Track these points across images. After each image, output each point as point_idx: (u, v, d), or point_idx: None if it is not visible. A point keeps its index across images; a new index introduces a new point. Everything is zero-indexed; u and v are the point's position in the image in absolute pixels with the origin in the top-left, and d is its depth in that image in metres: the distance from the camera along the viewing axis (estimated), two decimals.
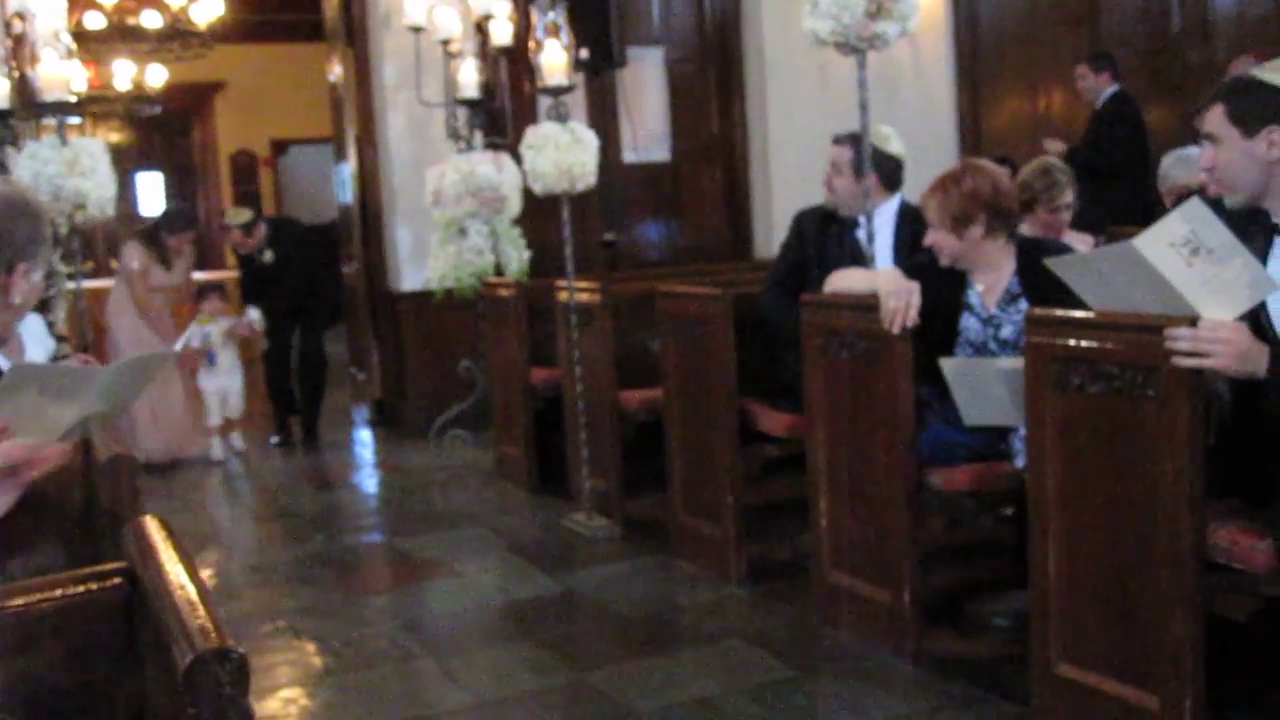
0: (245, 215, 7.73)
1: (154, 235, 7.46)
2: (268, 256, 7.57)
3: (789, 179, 7.54)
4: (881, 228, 4.30)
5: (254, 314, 7.50)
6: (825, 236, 4.47)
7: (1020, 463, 3.36)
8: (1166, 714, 2.78)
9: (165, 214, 7.92)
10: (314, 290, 7.78)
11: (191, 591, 1.12)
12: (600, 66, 7.14)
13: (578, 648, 3.96)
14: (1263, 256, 2.80)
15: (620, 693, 3.53)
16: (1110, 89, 7.50)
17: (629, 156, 8.15)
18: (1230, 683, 2.92)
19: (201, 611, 1.07)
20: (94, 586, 1.31)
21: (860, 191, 4.23)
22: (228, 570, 5.09)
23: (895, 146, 4.45)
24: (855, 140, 4.35)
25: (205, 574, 4.63)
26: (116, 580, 1.33)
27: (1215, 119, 2.84)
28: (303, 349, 7.80)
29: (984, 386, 3.36)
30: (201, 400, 7.37)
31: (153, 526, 1.35)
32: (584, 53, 6.38)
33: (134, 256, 7.33)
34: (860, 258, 4.14)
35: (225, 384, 7.41)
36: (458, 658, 3.97)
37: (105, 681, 1.31)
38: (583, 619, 4.28)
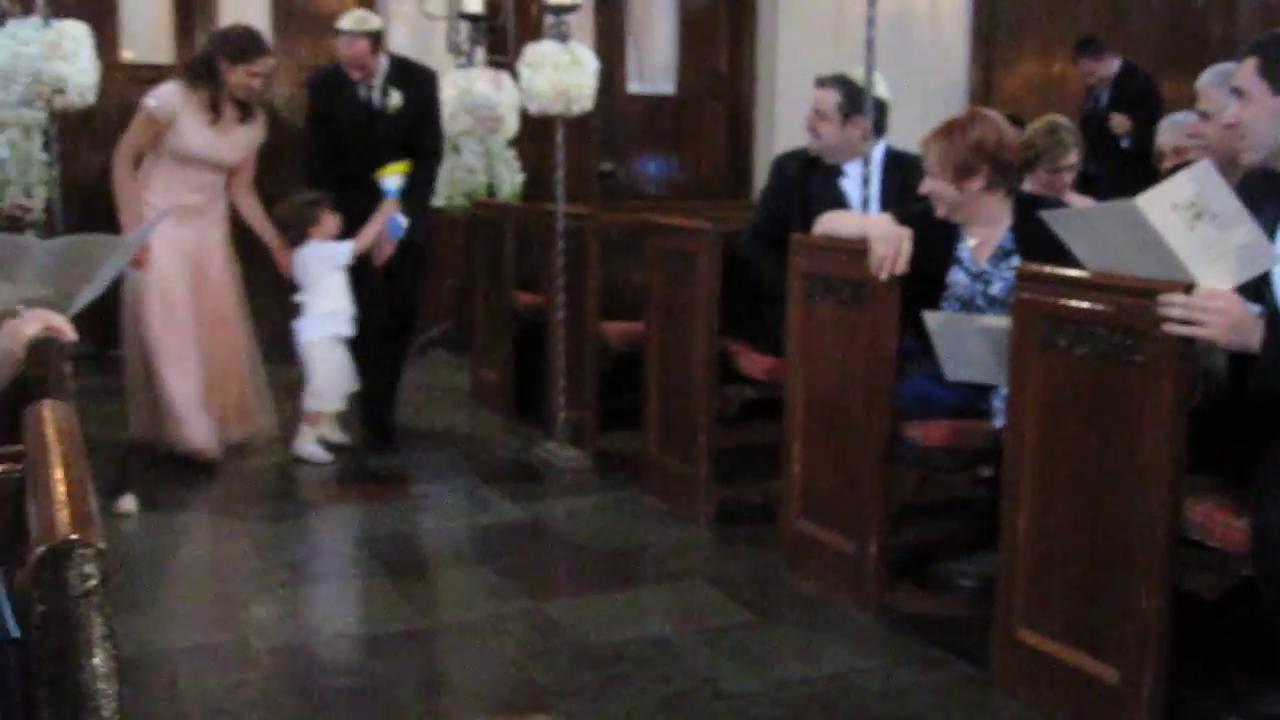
0: (375, 20, 5.26)
1: (206, 66, 4.85)
2: (394, 99, 5.16)
3: (794, 120, 7.36)
4: (869, 175, 4.18)
5: (401, 220, 5.11)
6: (809, 182, 4.33)
7: (999, 422, 3.27)
8: (1125, 688, 2.72)
9: (224, 34, 5.04)
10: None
11: (73, 483, 1.03)
12: None
13: (538, 577, 3.89)
14: (1274, 222, 2.71)
15: (575, 625, 3.47)
16: (1116, 65, 7.35)
17: (633, 87, 8.02)
18: (1193, 662, 2.86)
19: (75, 503, 0.98)
20: None
21: (845, 137, 4.12)
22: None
23: (881, 90, 4.30)
24: (841, 83, 4.23)
25: None
26: (11, 465, 1.25)
27: (1246, 73, 2.74)
28: (391, 291, 5.24)
29: (967, 342, 3.28)
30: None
31: (49, 410, 1.26)
32: None
33: (161, 94, 4.78)
34: (845, 205, 4.03)
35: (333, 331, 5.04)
36: (414, 579, 3.91)
37: None
38: (546, 549, 4.21)
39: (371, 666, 3.28)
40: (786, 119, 7.64)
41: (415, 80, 5.24)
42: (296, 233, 4.99)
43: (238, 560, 4.02)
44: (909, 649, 3.34)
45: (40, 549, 0.91)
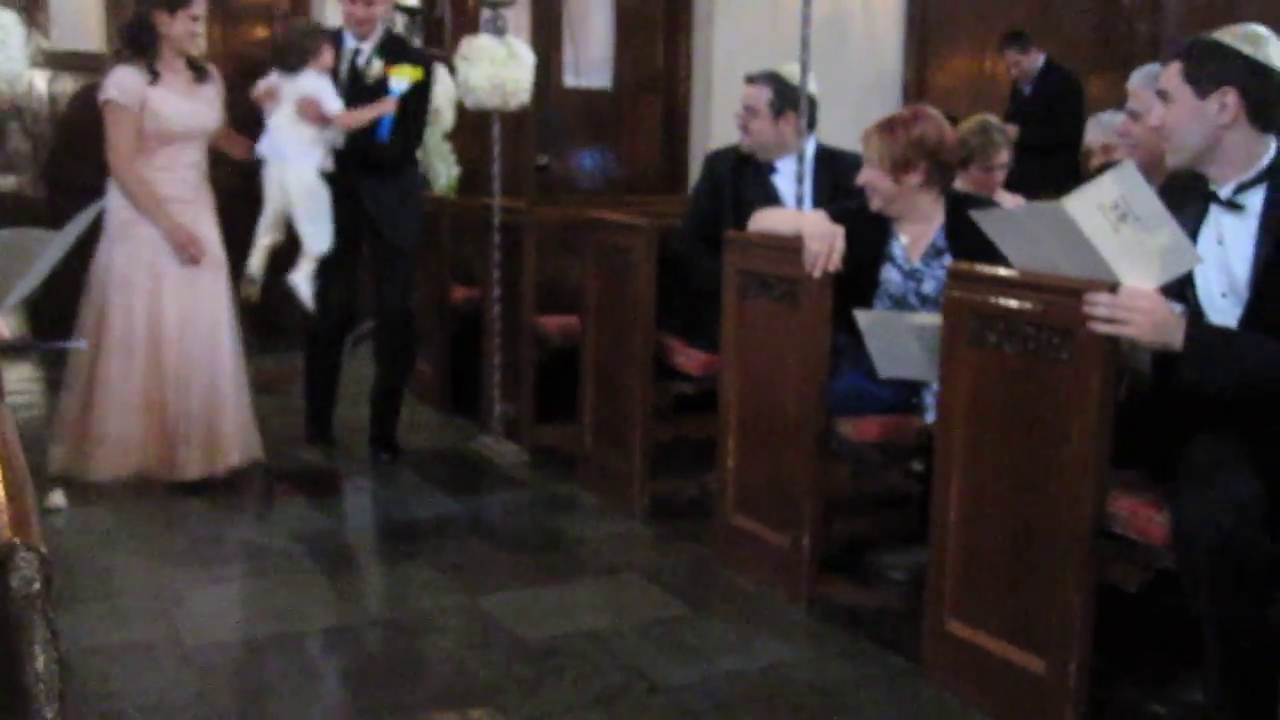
0: None
1: (143, 29, 4.44)
2: (375, 68, 4.84)
3: (729, 116, 7.41)
4: (800, 172, 4.21)
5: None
6: (741, 180, 4.35)
7: (930, 418, 3.33)
8: (1052, 678, 2.78)
9: None
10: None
11: (10, 485, 1.03)
12: None
13: (473, 572, 3.89)
14: (1196, 223, 2.78)
15: (511, 620, 3.48)
16: (1039, 60, 7.47)
17: (570, 81, 8.00)
18: (1118, 652, 2.93)
19: (13, 505, 0.98)
20: None
21: (776, 134, 4.17)
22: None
23: (811, 86, 4.34)
24: (771, 79, 4.27)
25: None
26: None
27: (1170, 76, 2.80)
28: (381, 295, 5.03)
29: (899, 340, 3.32)
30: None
31: None
32: None
33: (118, 82, 4.42)
34: (779, 202, 4.06)
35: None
36: (349, 574, 3.91)
37: None
38: (481, 543, 4.21)
39: (306, 662, 3.28)
40: (722, 115, 7.67)
41: (410, 59, 4.88)
42: (295, 59, 4.65)
43: (170, 555, 3.99)
44: (841, 641, 3.39)
45: None
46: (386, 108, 4.73)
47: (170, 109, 4.44)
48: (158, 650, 3.24)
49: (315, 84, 4.66)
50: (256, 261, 4.73)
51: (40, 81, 6.77)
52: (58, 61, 6.92)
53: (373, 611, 3.61)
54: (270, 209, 4.72)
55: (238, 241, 4.77)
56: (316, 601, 3.65)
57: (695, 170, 7.96)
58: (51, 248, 2.02)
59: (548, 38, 7.68)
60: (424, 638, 3.38)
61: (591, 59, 8.07)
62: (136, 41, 4.44)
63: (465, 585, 3.75)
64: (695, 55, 8.07)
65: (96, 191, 4.36)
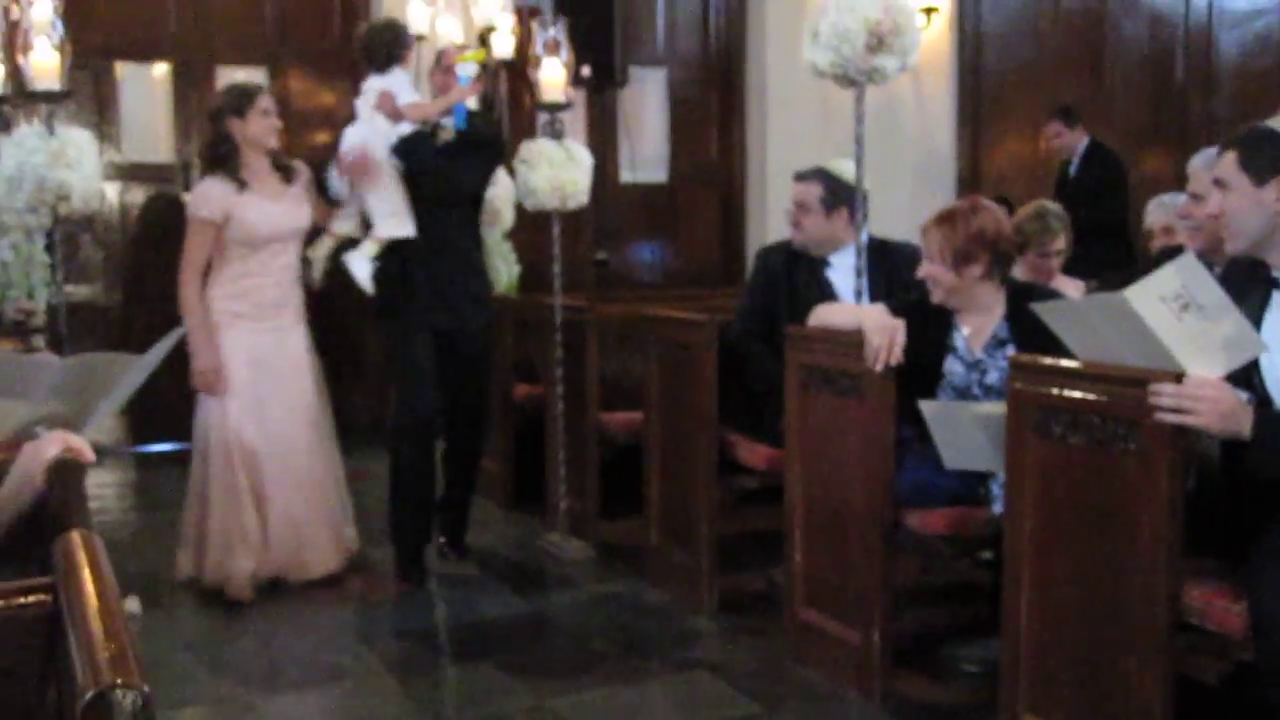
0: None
1: (221, 138, 4.54)
2: (446, 132, 4.74)
3: (784, 208, 7.49)
4: (854, 266, 4.23)
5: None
6: (794, 275, 4.37)
7: (998, 508, 3.31)
8: None
9: (218, 100, 4.69)
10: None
11: (107, 619, 1.07)
12: (602, 84, 7.12)
13: (543, 672, 3.90)
14: (1260, 310, 2.78)
15: None
16: (1085, 141, 7.50)
17: (626, 176, 8.13)
18: None
19: (112, 643, 1.02)
20: (18, 601, 1.25)
21: (829, 229, 4.21)
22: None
23: (854, 178, 4.39)
24: (821, 175, 4.31)
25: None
26: (42, 596, 1.28)
27: (1227, 165, 2.81)
28: (459, 396, 4.86)
29: (964, 430, 3.32)
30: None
31: (79, 543, 1.30)
32: (586, 70, 6.35)
33: (204, 195, 4.51)
34: (834, 296, 4.08)
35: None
36: (420, 676, 3.92)
37: (22, 698, 1.25)
38: (550, 642, 4.22)
39: None
40: (776, 208, 7.73)
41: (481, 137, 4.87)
42: (383, 56, 4.64)
43: (242, 660, 4.02)
44: None
45: (88, 694, 0.95)
46: (456, 96, 4.65)
47: (256, 214, 4.48)
48: None
49: (398, 80, 4.66)
50: (323, 250, 4.74)
51: (111, 192, 6.98)
52: (128, 173, 7.16)
53: (444, 714, 3.62)
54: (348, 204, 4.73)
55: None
56: (389, 707, 3.66)
57: (751, 262, 8.05)
58: (133, 371, 2.08)
59: (603, 133, 7.82)
60: None
61: (647, 154, 8.20)
62: (217, 155, 4.53)
63: (534, 687, 3.75)
64: (750, 149, 8.18)
65: (159, 300, 4.47)
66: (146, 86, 7.34)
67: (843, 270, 4.20)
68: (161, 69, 7.34)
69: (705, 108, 8.34)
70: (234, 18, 7.40)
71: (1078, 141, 7.51)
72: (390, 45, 4.67)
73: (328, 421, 4.76)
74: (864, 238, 4.28)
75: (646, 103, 8.16)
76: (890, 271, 4.20)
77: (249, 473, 4.50)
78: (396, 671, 3.89)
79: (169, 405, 5.40)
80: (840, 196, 4.22)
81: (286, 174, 4.64)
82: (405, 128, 4.62)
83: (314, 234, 4.78)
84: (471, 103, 4.81)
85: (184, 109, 7.25)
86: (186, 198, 4.59)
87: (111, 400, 2.07)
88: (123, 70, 7.23)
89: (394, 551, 4.81)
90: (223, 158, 4.51)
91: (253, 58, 7.32)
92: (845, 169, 4.26)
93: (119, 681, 0.95)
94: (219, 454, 4.50)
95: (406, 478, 4.75)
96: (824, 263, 4.33)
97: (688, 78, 8.30)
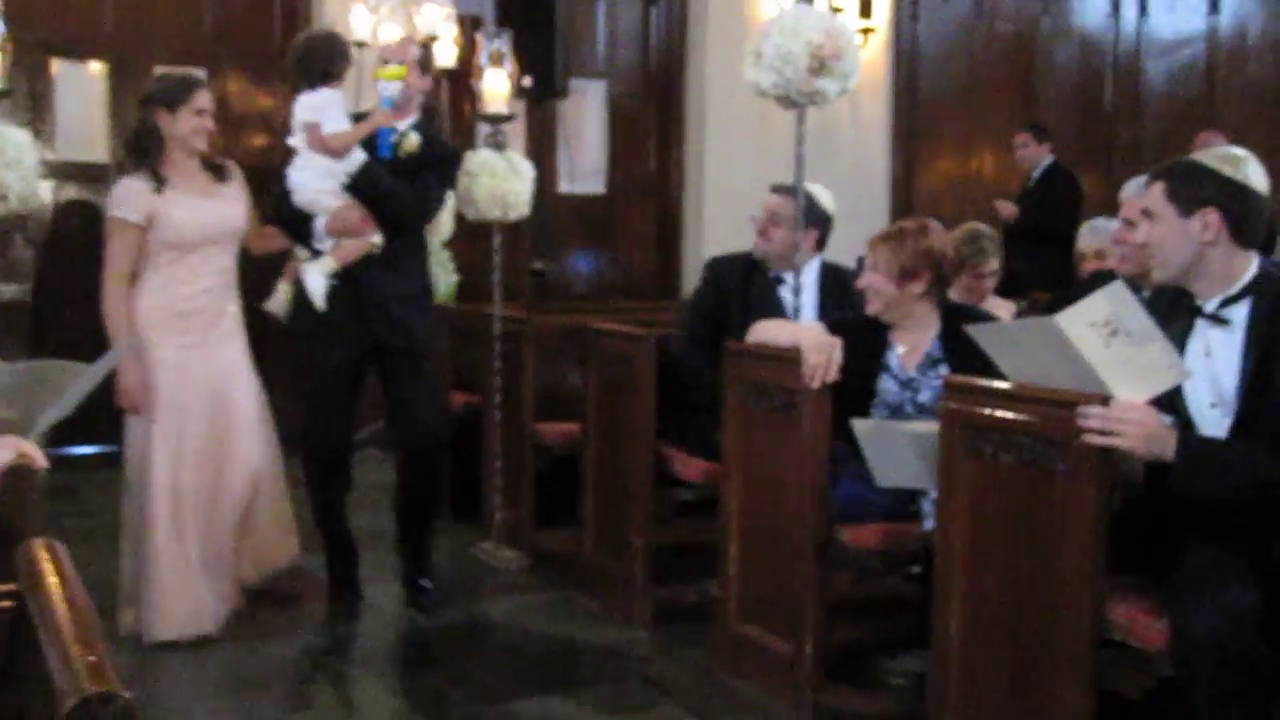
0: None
1: (147, 132, 4.16)
2: (412, 140, 4.46)
3: (720, 222, 7.59)
4: (808, 286, 4.31)
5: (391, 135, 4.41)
6: (748, 288, 4.43)
7: (929, 525, 3.38)
8: None
9: (151, 90, 4.28)
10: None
11: (82, 628, 1.08)
12: (542, 95, 7.14)
13: (477, 681, 3.91)
14: (1183, 337, 2.87)
15: None
16: (1048, 159, 7.72)
17: (564, 186, 8.16)
18: None
19: (90, 652, 1.03)
20: None
21: (794, 247, 4.27)
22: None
23: (828, 205, 4.48)
24: (800, 194, 4.36)
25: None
26: (4, 603, 1.29)
27: (1154, 196, 2.90)
28: (396, 387, 4.55)
29: (896, 449, 3.38)
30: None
31: (43, 552, 1.30)
32: (527, 81, 6.37)
33: (123, 197, 4.13)
34: (783, 315, 4.14)
35: None
36: (354, 685, 3.93)
37: None
38: (484, 652, 4.23)
39: None
40: (714, 220, 7.84)
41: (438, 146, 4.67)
42: (318, 72, 4.32)
43: (172, 668, 4.00)
44: None
45: (69, 703, 0.96)
46: (376, 121, 4.36)
47: (184, 213, 4.09)
48: None
49: (326, 99, 4.32)
50: (280, 296, 4.58)
51: (45, 192, 6.88)
52: (62, 172, 7.06)
53: None
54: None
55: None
56: (322, 713, 3.66)
57: (688, 274, 8.10)
58: (82, 381, 2.08)
59: (542, 144, 7.84)
60: None
61: (585, 165, 8.24)
62: (140, 148, 4.14)
63: (468, 696, 3.77)
64: (687, 162, 8.25)
65: (85, 301, 4.31)
66: (82, 85, 7.24)
67: (794, 289, 4.26)
68: (97, 67, 7.25)
69: (644, 121, 8.39)
70: (172, 17, 7.33)
71: (1041, 157, 7.74)
72: (327, 62, 4.34)
73: (268, 433, 4.37)
74: (817, 261, 4.40)
75: (586, 114, 8.20)
76: (842, 299, 4.27)
77: (181, 504, 4.13)
78: (330, 679, 3.89)
79: (94, 407, 5.28)
80: (813, 218, 4.30)
81: (218, 172, 4.27)
82: (357, 157, 4.32)
83: (280, 260, 4.60)
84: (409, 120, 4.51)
85: (120, 108, 7.15)
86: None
87: (58, 408, 2.07)
88: (58, 68, 7.14)
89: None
90: (144, 152, 4.12)
91: (191, 58, 7.22)
92: (822, 195, 4.37)
93: (100, 690, 0.97)
94: (158, 497, 4.09)
95: (316, 500, 4.59)
96: (778, 279, 4.39)
97: (627, 90, 8.35)
